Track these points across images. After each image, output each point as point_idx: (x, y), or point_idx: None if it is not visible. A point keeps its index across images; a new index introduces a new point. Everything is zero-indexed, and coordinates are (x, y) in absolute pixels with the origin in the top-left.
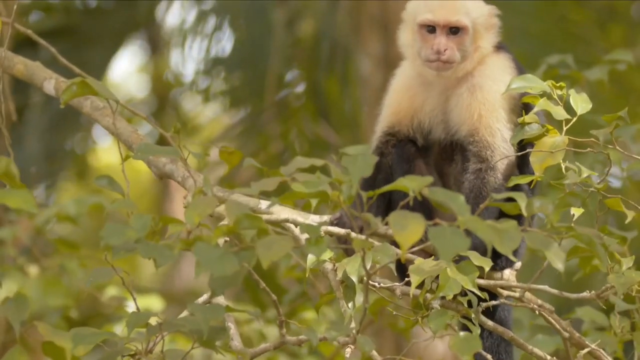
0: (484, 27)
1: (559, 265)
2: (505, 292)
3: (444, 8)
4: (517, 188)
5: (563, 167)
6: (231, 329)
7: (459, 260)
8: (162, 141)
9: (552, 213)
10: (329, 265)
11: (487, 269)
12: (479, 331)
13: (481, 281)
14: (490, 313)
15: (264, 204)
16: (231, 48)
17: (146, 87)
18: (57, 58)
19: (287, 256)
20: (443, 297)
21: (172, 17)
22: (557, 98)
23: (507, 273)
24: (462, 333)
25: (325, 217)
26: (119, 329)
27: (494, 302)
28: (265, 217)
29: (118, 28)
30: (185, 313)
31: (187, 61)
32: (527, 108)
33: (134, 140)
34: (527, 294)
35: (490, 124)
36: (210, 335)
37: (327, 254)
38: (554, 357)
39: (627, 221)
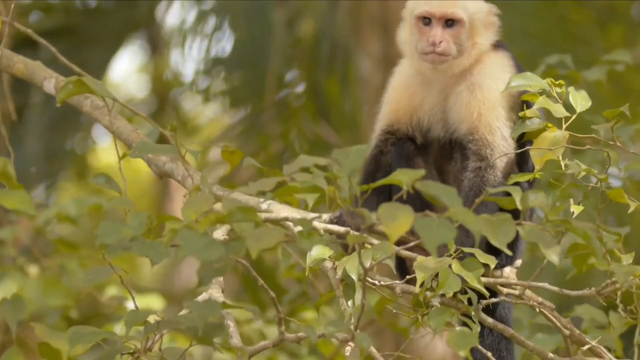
0: (482, 24)
1: (554, 258)
2: (505, 290)
3: (441, 1)
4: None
5: (563, 164)
6: (230, 327)
7: (463, 257)
8: (162, 141)
9: (549, 206)
10: (328, 264)
11: (492, 266)
12: (479, 329)
13: (481, 279)
14: (490, 311)
15: (264, 203)
16: (231, 48)
17: (146, 87)
18: (57, 58)
19: (286, 256)
20: (443, 295)
21: (172, 17)
22: (556, 96)
23: (507, 271)
24: (458, 328)
25: (325, 216)
26: (119, 329)
27: (494, 300)
28: (264, 215)
29: (118, 28)
30: (184, 312)
31: (187, 61)
32: (526, 106)
33: (134, 139)
34: (527, 292)
35: (489, 122)
36: (206, 332)
37: (327, 253)
38: (555, 355)
39: (629, 210)
